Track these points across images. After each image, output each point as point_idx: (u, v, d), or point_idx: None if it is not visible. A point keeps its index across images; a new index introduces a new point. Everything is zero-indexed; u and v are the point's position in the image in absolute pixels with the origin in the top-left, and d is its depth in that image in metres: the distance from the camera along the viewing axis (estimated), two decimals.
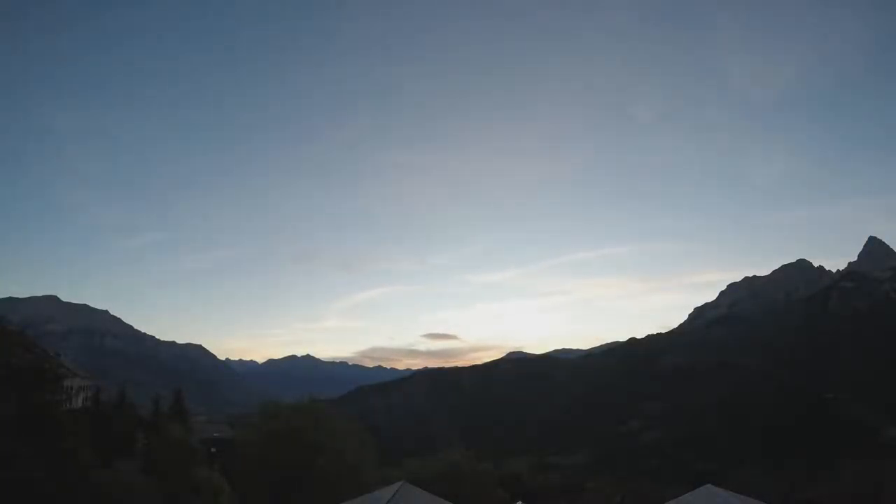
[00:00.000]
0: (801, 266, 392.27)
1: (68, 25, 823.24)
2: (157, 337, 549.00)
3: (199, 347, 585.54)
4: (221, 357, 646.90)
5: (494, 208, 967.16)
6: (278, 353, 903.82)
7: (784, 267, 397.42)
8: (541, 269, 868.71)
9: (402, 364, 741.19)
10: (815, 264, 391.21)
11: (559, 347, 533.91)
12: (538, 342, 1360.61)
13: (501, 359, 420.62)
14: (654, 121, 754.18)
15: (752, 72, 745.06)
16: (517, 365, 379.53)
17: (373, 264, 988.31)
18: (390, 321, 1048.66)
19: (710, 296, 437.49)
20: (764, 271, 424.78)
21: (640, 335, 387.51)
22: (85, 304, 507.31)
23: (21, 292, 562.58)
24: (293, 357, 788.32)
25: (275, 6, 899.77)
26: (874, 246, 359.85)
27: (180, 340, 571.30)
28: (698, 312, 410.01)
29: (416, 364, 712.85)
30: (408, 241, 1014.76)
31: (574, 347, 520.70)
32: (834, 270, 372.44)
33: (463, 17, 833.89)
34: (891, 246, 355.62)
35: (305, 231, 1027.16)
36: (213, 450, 61.59)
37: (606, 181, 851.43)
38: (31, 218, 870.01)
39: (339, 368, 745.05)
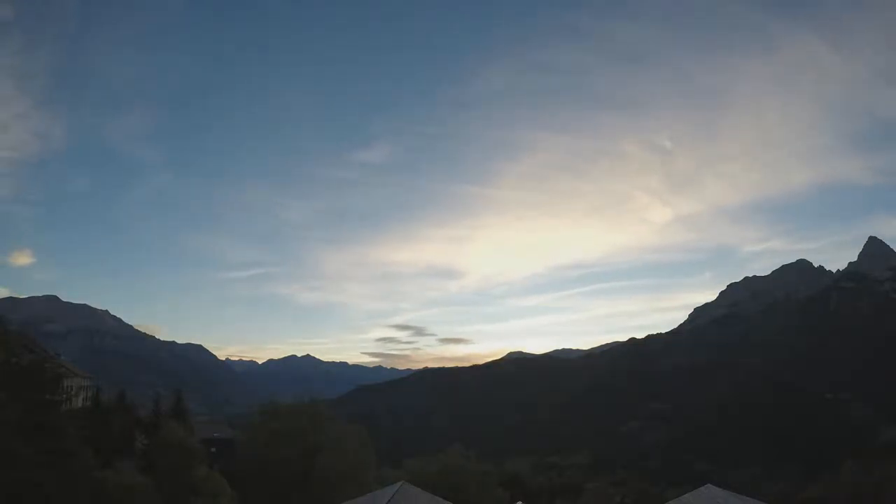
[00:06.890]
0: (801, 266, 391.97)
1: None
2: (157, 337, 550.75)
3: (200, 347, 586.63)
4: (221, 357, 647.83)
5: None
6: (278, 353, 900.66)
7: (784, 267, 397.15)
8: (571, 294, 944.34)
9: (403, 364, 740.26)
10: (815, 264, 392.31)
11: (559, 347, 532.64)
12: (539, 343, 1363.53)
13: (501, 359, 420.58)
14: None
15: None
16: (517, 365, 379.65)
17: (426, 292, 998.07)
18: (418, 330, 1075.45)
19: (711, 296, 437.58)
20: (764, 271, 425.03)
21: (640, 335, 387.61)
22: (85, 304, 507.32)
23: (21, 292, 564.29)
24: (293, 357, 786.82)
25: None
26: (874, 246, 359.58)
27: (180, 340, 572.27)
28: (698, 312, 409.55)
29: (419, 364, 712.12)
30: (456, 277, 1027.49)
31: (574, 347, 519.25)
32: (834, 270, 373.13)
33: None
34: (891, 246, 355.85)
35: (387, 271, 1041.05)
36: (213, 450, 61.45)
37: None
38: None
39: (339, 368, 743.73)
